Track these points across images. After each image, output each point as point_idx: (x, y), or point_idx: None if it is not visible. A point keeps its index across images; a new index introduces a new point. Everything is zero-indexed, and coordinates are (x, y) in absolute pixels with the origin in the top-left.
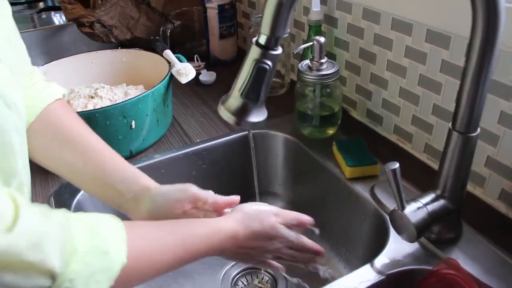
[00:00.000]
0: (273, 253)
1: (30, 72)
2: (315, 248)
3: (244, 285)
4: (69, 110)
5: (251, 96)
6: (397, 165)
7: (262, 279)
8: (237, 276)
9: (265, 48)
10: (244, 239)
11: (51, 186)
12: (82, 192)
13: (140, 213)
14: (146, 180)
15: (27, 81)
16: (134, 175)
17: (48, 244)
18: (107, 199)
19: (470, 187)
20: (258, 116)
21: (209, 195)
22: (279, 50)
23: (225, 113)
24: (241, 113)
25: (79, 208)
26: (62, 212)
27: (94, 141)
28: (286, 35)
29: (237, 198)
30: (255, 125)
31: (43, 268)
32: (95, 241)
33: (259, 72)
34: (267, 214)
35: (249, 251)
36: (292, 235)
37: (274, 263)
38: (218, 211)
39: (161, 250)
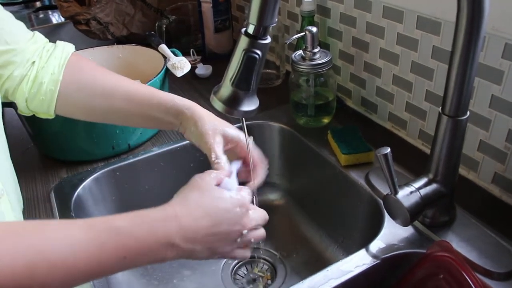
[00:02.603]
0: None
1: (32, 36)
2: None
3: (244, 274)
4: (88, 61)
5: (242, 85)
6: (388, 150)
7: (261, 268)
8: (237, 266)
9: (254, 38)
10: (191, 220)
11: (51, 182)
12: (82, 186)
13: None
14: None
15: (31, 44)
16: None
17: None
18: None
19: (463, 172)
20: (249, 105)
21: (240, 137)
22: (268, 39)
23: (217, 103)
24: (233, 102)
25: (79, 202)
26: None
27: (130, 83)
28: (274, 24)
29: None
30: (247, 114)
31: None
32: None
33: (248, 61)
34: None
35: (211, 241)
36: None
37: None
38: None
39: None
